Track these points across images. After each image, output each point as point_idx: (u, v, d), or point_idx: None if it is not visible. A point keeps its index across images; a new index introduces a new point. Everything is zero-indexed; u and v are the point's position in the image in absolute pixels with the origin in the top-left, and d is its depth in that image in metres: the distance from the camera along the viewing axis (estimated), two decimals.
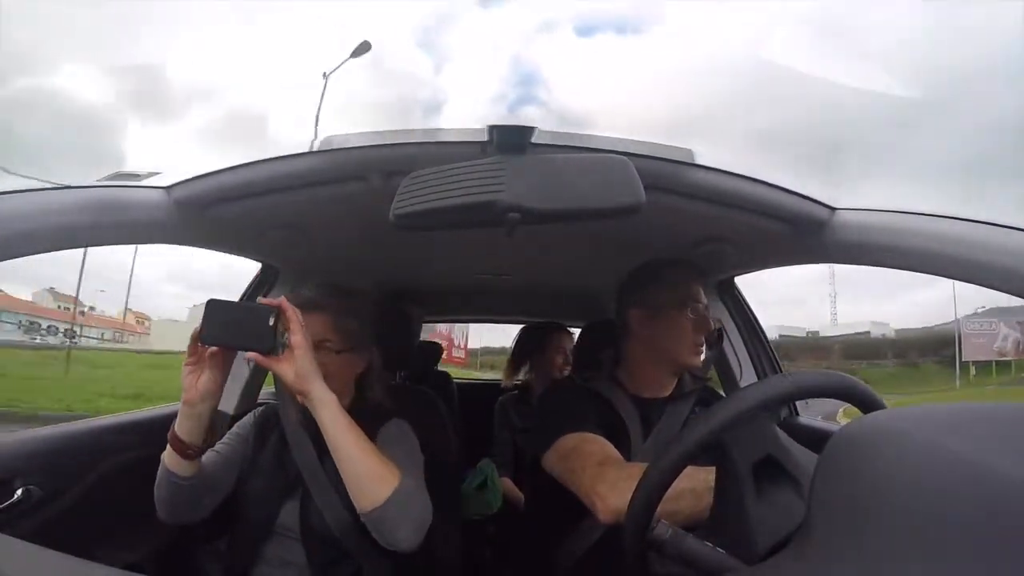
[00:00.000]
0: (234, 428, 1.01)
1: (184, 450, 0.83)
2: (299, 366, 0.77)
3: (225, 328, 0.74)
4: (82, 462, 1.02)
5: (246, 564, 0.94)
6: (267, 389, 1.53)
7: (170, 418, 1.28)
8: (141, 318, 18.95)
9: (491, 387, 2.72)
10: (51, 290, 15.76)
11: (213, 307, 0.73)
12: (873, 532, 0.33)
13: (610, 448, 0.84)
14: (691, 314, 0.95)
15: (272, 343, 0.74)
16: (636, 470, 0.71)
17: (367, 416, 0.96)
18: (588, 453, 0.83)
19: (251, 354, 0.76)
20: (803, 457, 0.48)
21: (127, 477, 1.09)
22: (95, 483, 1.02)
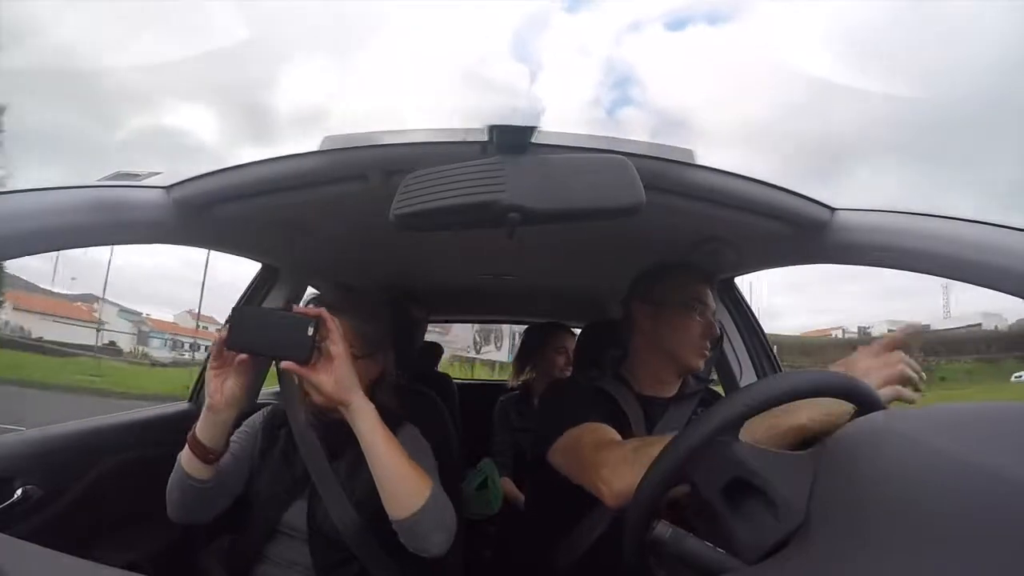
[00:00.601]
0: (243, 427, 1.01)
1: (205, 455, 0.83)
2: (339, 376, 0.77)
3: (258, 336, 0.73)
4: (82, 462, 1.02)
5: (251, 564, 0.94)
6: (267, 389, 1.53)
7: (170, 418, 1.29)
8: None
9: (492, 387, 2.72)
10: (190, 311, 17.95)
11: (242, 314, 0.73)
12: (873, 531, 0.33)
13: (609, 432, 0.83)
14: (698, 316, 0.96)
15: (309, 353, 0.74)
16: (632, 451, 0.72)
17: (384, 415, 0.98)
18: (587, 443, 0.83)
19: (287, 363, 0.75)
20: (775, 469, 0.47)
21: (127, 477, 1.09)
22: (95, 483, 1.02)
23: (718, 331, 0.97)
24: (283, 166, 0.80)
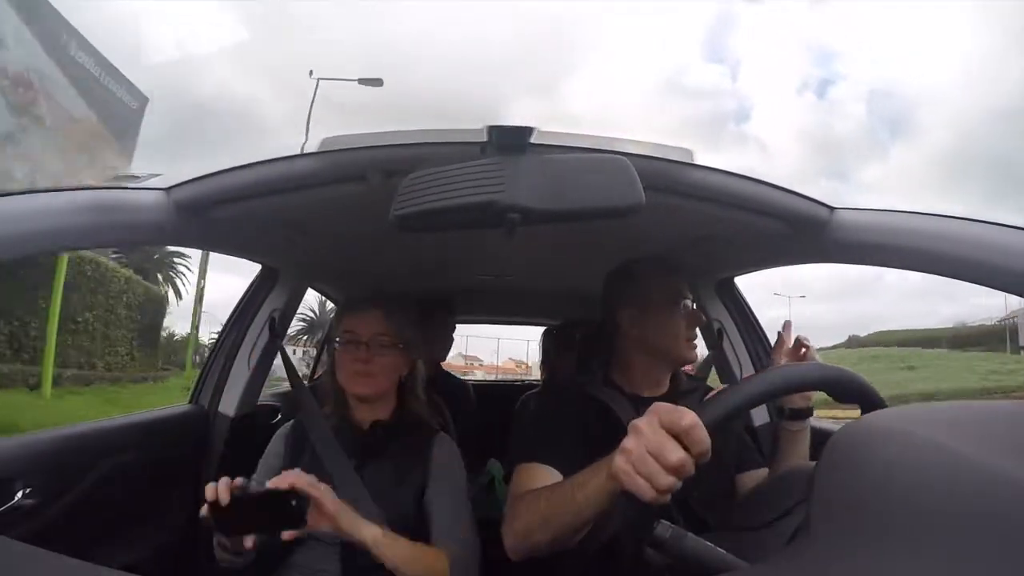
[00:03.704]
0: (265, 457, 1.04)
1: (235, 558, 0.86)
2: (340, 523, 0.81)
3: (246, 517, 0.74)
4: (82, 464, 1.02)
5: (275, 570, 0.95)
6: (267, 390, 1.53)
7: (170, 420, 1.29)
8: (519, 363, 23.61)
9: (513, 387, 2.72)
10: (460, 354, 19.94)
11: (220, 504, 0.72)
12: (874, 530, 0.33)
13: (537, 479, 0.83)
14: (681, 309, 0.97)
15: (303, 521, 0.76)
16: (527, 503, 0.76)
17: (413, 431, 1.03)
18: (515, 486, 0.85)
19: (288, 533, 0.77)
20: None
21: (127, 479, 1.09)
22: (95, 484, 1.02)
23: (702, 318, 0.99)
24: (283, 167, 0.80)
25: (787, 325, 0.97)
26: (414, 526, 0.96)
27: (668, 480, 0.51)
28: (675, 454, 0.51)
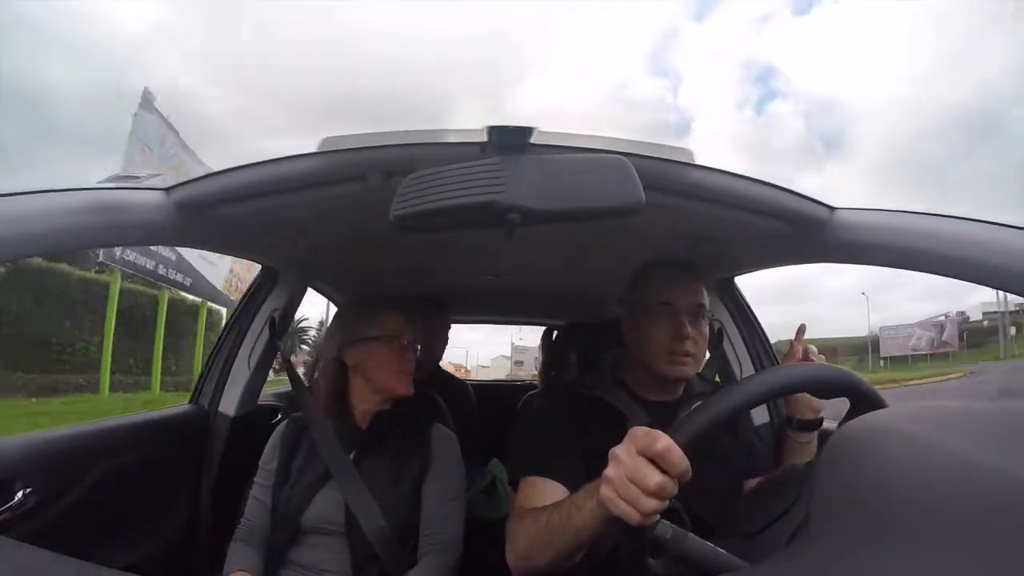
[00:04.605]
0: (263, 456, 1.07)
1: None
2: None
3: None
4: (82, 464, 1.02)
5: (280, 568, 0.96)
6: (267, 391, 1.53)
7: (170, 420, 1.29)
8: (459, 367, 23.10)
9: (513, 387, 2.72)
10: None
11: None
12: (874, 530, 0.33)
13: (539, 495, 0.81)
14: (666, 320, 0.90)
15: None
16: (530, 522, 0.76)
17: (411, 418, 1.07)
18: (519, 501, 0.84)
19: None
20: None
21: (127, 479, 1.09)
22: (96, 485, 1.02)
23: (688, 332, 0.89)
24: (283, 167, 0.80)
25: (801, 330, 0.94)
26: (410, 518, 0.97)
27: (651, 504, 0.52)
28: (653, 479, 0.52)
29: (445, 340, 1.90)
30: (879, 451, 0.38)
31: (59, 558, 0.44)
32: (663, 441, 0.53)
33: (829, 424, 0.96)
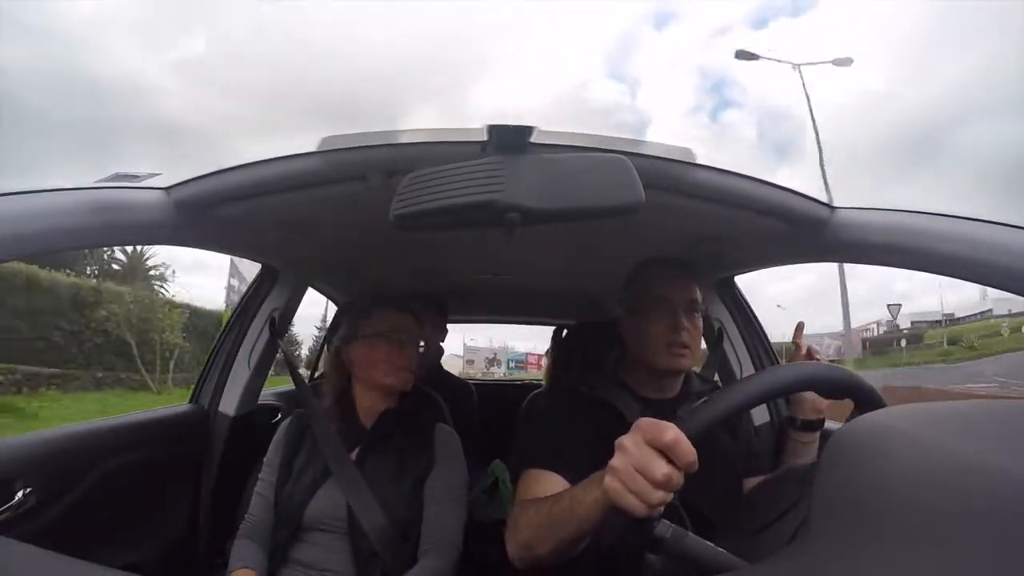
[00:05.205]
0: (268, 454, 1.07)
1: None
2: None
3: None
4: (82, 464, 1.02)
5: (281, 567, 0.97)
6: (267, 390, 1.53)
7: (171, 420, 1.29)
8: None
9: (515, 387, 2.72)
10: None
11: None
12: (874, 529, 0.33)
13: (540, 486, 0.82)
14: (664, 316, 0.92)
15: None
16: (531, 513, 0.75)
17: (415, 417, 1.07)
18: (521, 491, 0.84)
19: None
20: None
21: (127, 479, 1.10)
22: (96, 484, 1.02)
23: (684, 325, 0.91)
24: (283, 167, 0.80)
25: (799, 327, 0.96)
26: (412, 517, 0.97)
27: (657, 495, 0.52)
28: (660, 470, 0.52)
29: (442, 340, 1.90)
30: (879, 451, 0.38)
31: (59, 558, 0.44)
32: (672, 432, 0.53)
33: (831, 424, 0.96)
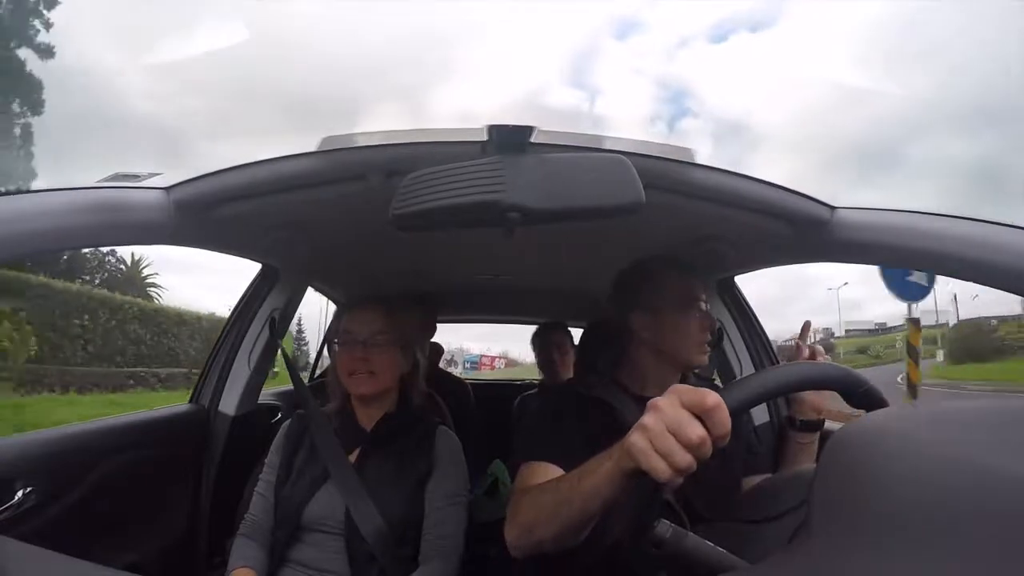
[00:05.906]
0: (268, 457, 1.07)
1: None
2: None
3: None
4: (83, 463, 1.02)
5: (280, 568, 0.96)
6: (267, 390, 1.53)
7: (170, 419, 1.29)
8: None
9: (513, 387, 2.72)
10: None
11: None
12: (873, 530, 0.33)
13: (539, 477, 0.80)
14: (696, 313, 0.94)
15: None
16: (531, 496, 0.74)
17: (415, 422, 1.06)
18: (519, 483, 0.83)
19: None
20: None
21: (128, 478, 1.09)
22: (96, 484, 1.02)
23: (716, 322, 0.96)
24: (283, 167, 0.80)
25: (806, 326, 0.96)
26: (410, 520, 0.97)
27: (686, 458, 0.49)
28: (696, 431, 0.49)
29: (429, 338, 1.88)
30: (879, 451, 0.38)
31: (59, 558, 0.44)
32: (713, 398, 0.50)
33: (831, 425, 0.96)
